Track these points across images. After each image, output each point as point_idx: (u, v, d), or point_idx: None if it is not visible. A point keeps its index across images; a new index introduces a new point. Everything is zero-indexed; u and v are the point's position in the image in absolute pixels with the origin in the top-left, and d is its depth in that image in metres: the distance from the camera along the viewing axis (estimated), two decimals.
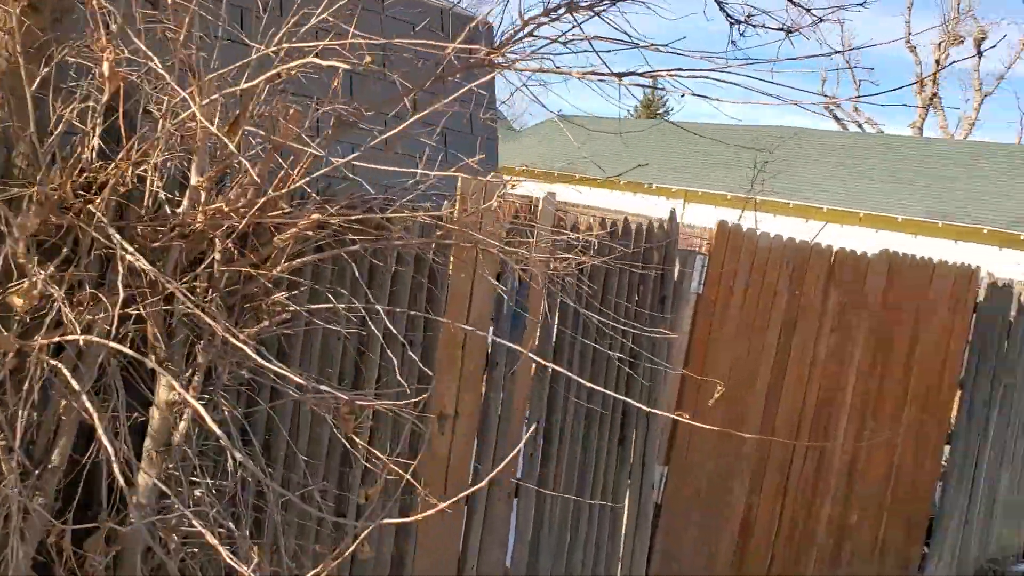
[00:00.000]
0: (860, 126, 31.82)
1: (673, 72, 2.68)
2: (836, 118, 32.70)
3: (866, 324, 4.84)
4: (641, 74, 2.66)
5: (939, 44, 29.18)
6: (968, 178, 17.35)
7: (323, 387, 2.03)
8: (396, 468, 2.14)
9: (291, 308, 2.53)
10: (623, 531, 3.87)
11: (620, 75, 2.68)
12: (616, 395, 3.25)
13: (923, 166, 18.45)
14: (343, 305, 2.48)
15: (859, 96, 2.48)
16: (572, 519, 3.70)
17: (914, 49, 30.55)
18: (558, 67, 2.75)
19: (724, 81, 2.71)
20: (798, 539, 4.78)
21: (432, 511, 1.99)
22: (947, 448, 5.67)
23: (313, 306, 2.58)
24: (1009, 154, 18.56)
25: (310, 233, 2.42)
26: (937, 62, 29.23)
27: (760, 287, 4.33)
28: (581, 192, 22.61)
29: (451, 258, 3.20)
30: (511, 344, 3.08)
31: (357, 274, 2.83)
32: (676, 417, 2.59)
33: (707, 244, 4.18)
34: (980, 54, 30.73)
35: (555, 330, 3.55)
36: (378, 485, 2.17)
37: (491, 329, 3.39)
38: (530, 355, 2.96)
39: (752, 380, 4.38)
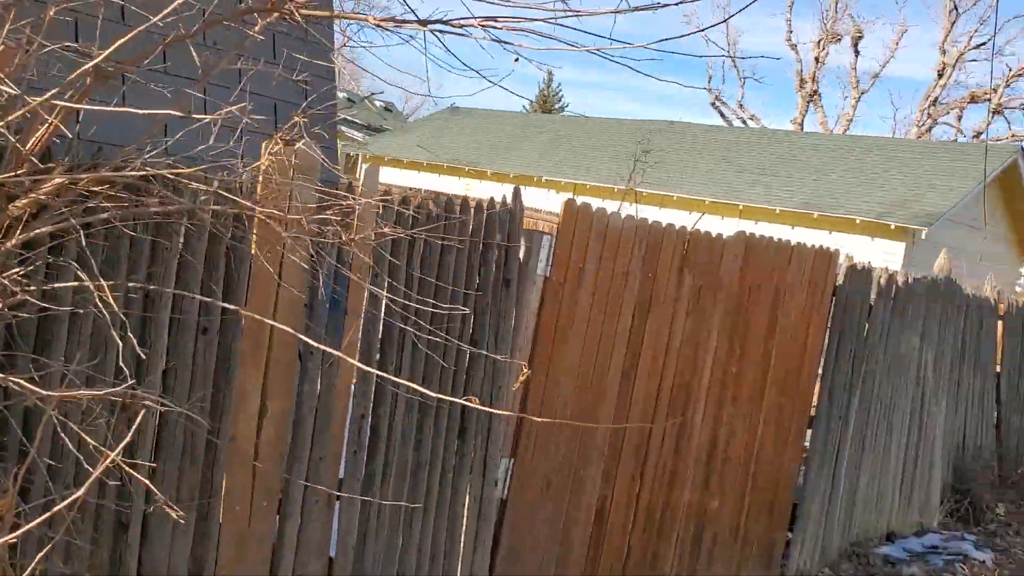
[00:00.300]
0: (744, 122, 32.64)
1: (486, 21, 2.42)
2: (722, 114, 33.46)
3: (723, 307, 4.72)
4: (447, 22, 2.39)
5: (818, 42, 30.13)
6: (843, 170, 17.89)
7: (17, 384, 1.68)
8: (129, 469, 1.80)
9: (32, 288, 2.16)
10: (463, 531, 3.61)
11: (424, 22, 2.40)
12: (444, 397, 2.96)
13: (800, 159, 18.93)
14: (91, 284, 2.11)
15: (660, 41, 2.26)
16: (404, 520, 3.41)
17: (795, 47, 31.49)
18: (359, 14, 2.46)
19: (543, 35, 2.47)
20: (656, 529, 4.62)
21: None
22: (810, 433, 5.63)
23: (59, 284, 2.21)
24: (881, 147, 19.23)
25: (44, 199, 2.05)
26: (816, 59, 30.18)
27: (612, 269, 4.14)
28: (469, 186, 22.42)
29: (253, 234, 2.86)
30: (320, 345, 2.76)
31: (125, 250, 2.48)
32: (489, 410, 2.33)
33: (556, 225, 3.96)
34: (857, 52, 31.92)
35: (382, 316, 3.26)
36: (9, 495, 1.83)
37: (304, 316, 3.07)
38: (339, 354, 2.66)
39: (605, 366, 4.18)
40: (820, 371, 5.57)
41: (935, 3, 46.38)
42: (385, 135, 28.46)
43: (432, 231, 3.31)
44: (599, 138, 22.77)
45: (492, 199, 3.59)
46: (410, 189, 18.33)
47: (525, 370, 2.88)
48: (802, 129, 31.15)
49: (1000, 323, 8.32)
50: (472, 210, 3.49)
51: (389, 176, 23.81)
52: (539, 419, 3.46)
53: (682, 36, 2.19)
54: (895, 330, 6.15)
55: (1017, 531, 7.10)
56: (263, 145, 2.90)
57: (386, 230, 2.70)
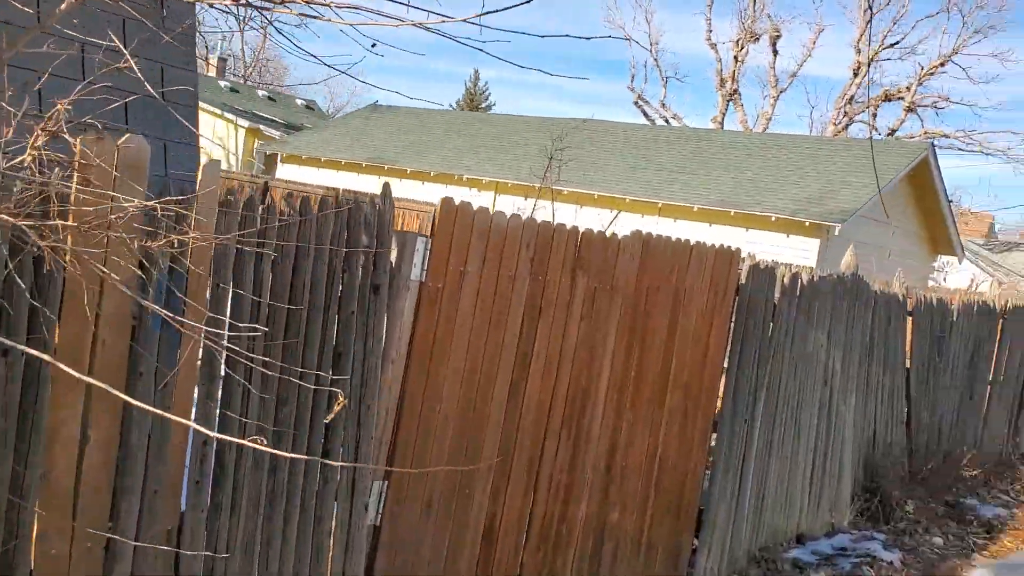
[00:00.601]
0: (667, 121, 32.87)
1: None
2: (645, 114, 33.64)
3: (620, 310, 4.50)
4: None
5: (737, 41, 30.47)
6: (760, 168, 18.01)
7: None
8: None
9: None
10: (329, 562, 3.30)
11: None
12: (286, 455, 2.66)
13: (719, 157, 19.03)
14: None
15: (481, 15, 2.00)
16: (260, 553, 3.09)
17: (715, 46, 31.81)
18: None
19: (371, 11, 2.19)
20: (552, 545, 4.38)
21: None
22: (715, 436, 5.47)
23: None
24: (798, 144, 19.45)
25: None
26: (736, 58, 30.53)
27: (497, 273, 3.87)
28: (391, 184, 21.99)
29: (67, 243, 2.51)
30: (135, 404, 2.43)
31: None
32: (319, 460, 2.04)
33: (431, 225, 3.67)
34: (775, 51, 32.41)
35: (227, 330, 2.93)
36: None
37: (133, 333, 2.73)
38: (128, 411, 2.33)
39: (491, 377, 3.92)
40: (724, 372, 5.41)
41: (851, 3, 47.49)
42: (304, 133, 27.81)
43: (285, 237, 3.00)
44: (522, 136, 22.59)
45: (356, 197, 3.29)
46: (328, 188, 17.85)
47: (341, 399, 2.58)
48: (722, 128, 31.49)
49: (910, 319, 8.33)
50: (333, 210, 3.19)
51: (306, 175, 23.24)
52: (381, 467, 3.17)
53: (503, 10, 1.90)
54: (801, 329, 6.04)
55: (927, 528, 7.08)
56: (77, 142, 2.56)
57: (195, 234, 2.37)
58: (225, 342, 2.92)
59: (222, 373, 2.91)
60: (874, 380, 7.55)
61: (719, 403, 5.43)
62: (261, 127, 28.90)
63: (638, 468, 4.85)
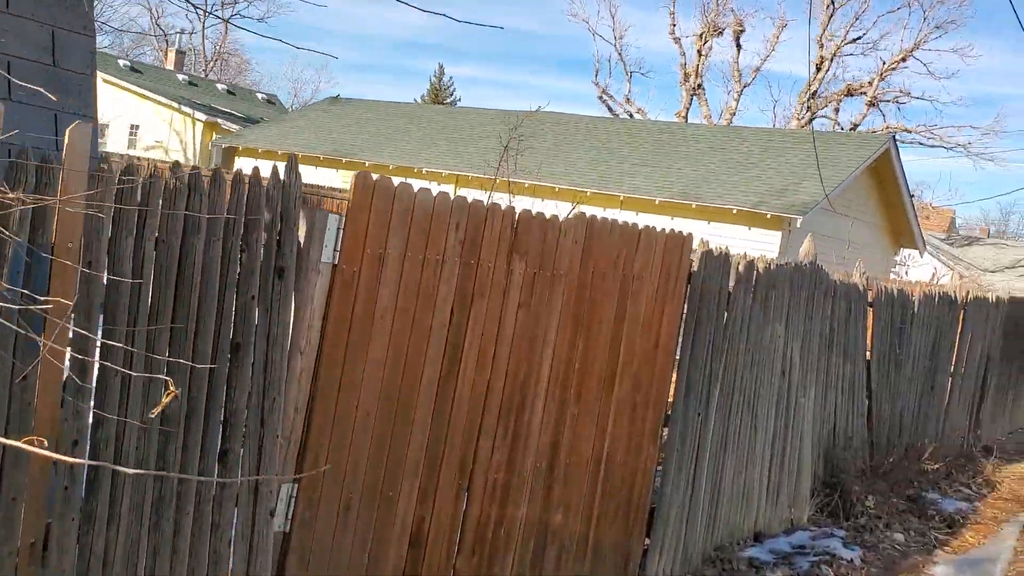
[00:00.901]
0: (631, 115, 32.72)
1: None
2: (609, 108, 33.46)
3: (563, 297, 4.21)
4: None
5: (700, 35, 30.36)
6: (722, 161, 17.85)
7: None
8: None
9: None
10: (228, 574, 2.97)
11: None
12: (126, 470, 2.33)
13: (681, 150, 18.83)
14: None
15: None
16: (146, 567, 2.76)
17: (679, 41, 31.69)
18: None
19: None
20: (488, 551, 4.08)
21: None
22: (667, 431, 5.20)
23: None
24: (760, 137, 19.31)
25: None
26: (699, 53, 30.41)
27: (423, 256, 3.56)
28: (347, 177, 21.58)
29: None
30: None
31: None
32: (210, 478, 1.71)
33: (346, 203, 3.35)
34: (739, 46, 32.37)
35: (101, 318, 2.59)
36: None
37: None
38: None
39: (417, 370, 3.61)
40: (676, 364, 5.14)
41: None
42: (262, 125, 27.26)
43: (169, 207, 2.67)
44: (483, 129, 22.28)
45: (256, 169, 2.96)
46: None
47: (172, 390, 2.26)
48: (686, 122, 31.38)
49: (870, 310, 8.13)
50: (229, 184, 2.86)
51: (263, 169, 22.73)
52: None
53: None
54: (757, 318, 5.78)
55: (887, 524, 6.87)
56: None
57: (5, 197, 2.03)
58: (100, 331, 2.59)
59: (95, 366, 2.57)
60: (834, 372, 7.34)
61: (671, 395, 5.16)
62: (219, 121, 28.32)
63: (584, 466, 4.56)
